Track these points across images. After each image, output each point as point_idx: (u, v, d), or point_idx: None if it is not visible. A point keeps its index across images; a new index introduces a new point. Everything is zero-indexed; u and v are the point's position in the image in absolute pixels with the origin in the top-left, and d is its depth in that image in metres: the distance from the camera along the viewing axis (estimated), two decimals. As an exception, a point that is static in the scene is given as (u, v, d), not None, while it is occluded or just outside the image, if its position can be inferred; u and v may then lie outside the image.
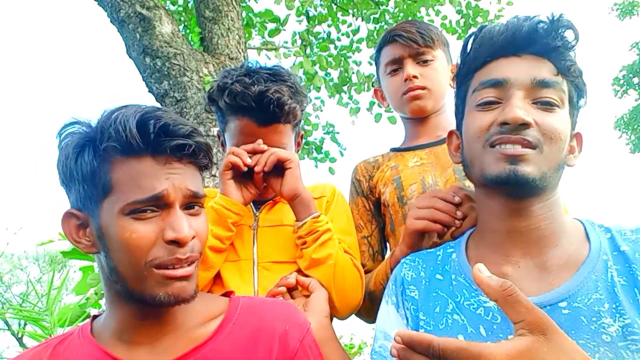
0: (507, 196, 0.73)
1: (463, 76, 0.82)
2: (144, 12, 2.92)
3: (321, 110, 5.32)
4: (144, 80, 2.99)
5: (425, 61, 1.19)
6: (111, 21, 3.10)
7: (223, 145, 1.17)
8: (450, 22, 4.92)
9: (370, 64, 5.11)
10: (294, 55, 4.63)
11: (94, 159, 0.66)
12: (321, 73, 4.92)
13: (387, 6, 4.86)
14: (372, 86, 4.90)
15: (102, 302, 2.05)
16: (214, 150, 2.00)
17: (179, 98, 2.82)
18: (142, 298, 0.68)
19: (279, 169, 1.04)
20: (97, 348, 0.70)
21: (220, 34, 3.18)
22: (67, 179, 0.69)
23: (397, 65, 1.21)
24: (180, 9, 4.58)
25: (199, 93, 2.81)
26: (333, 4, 4.83)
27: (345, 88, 5.14)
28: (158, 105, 2.91)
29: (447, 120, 1.24)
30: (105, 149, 0.66)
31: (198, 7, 3.29)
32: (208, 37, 3.20)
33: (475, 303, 0.73)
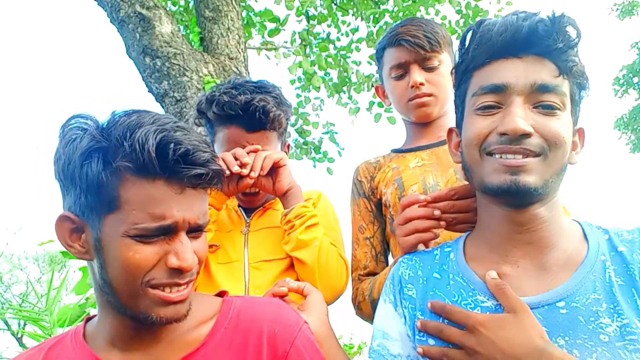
0: (509, 205, 0.73)
1: (462, 74, 0.80)
2: (144, 12, 2.92)
3: (321, 109, 5.32)
4: (143, 80, 2.99)
5: (432, 67, 1.18)
6: (111, 21, 3.10)
7: None
8: (450, 22, 4.90)
9: (370, 64, 5.10)
10: (294, 54, 4.63)
11: (103, 171, 0.62)
12: (320, 73, 4.92)
13: (386, 5, 4.85)
14: (372, 86, 4.90)
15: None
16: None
17: (178, 98, 2.82)
18: (134, 315, 0.67)
19: (270, 169, 1.11)
20: (90, 355, 0.70)
21: (220, 34, 3.18)
22: (67, 180, 0.66)
23: (402, 70, 1.19)
24: (181, 9, 4.58)
25: (199, 93, 2.81)
26: (333, 4, 4.82)
27: (344, 88, 5.14)
28: (158, 105, 2.93)
29: (449, 121, 1.22)
30: (118, 165, 0.62)
31: (198, 7, 3.29)
32: (208, 37, 3.20)
33: (472, 302, 0.73)
